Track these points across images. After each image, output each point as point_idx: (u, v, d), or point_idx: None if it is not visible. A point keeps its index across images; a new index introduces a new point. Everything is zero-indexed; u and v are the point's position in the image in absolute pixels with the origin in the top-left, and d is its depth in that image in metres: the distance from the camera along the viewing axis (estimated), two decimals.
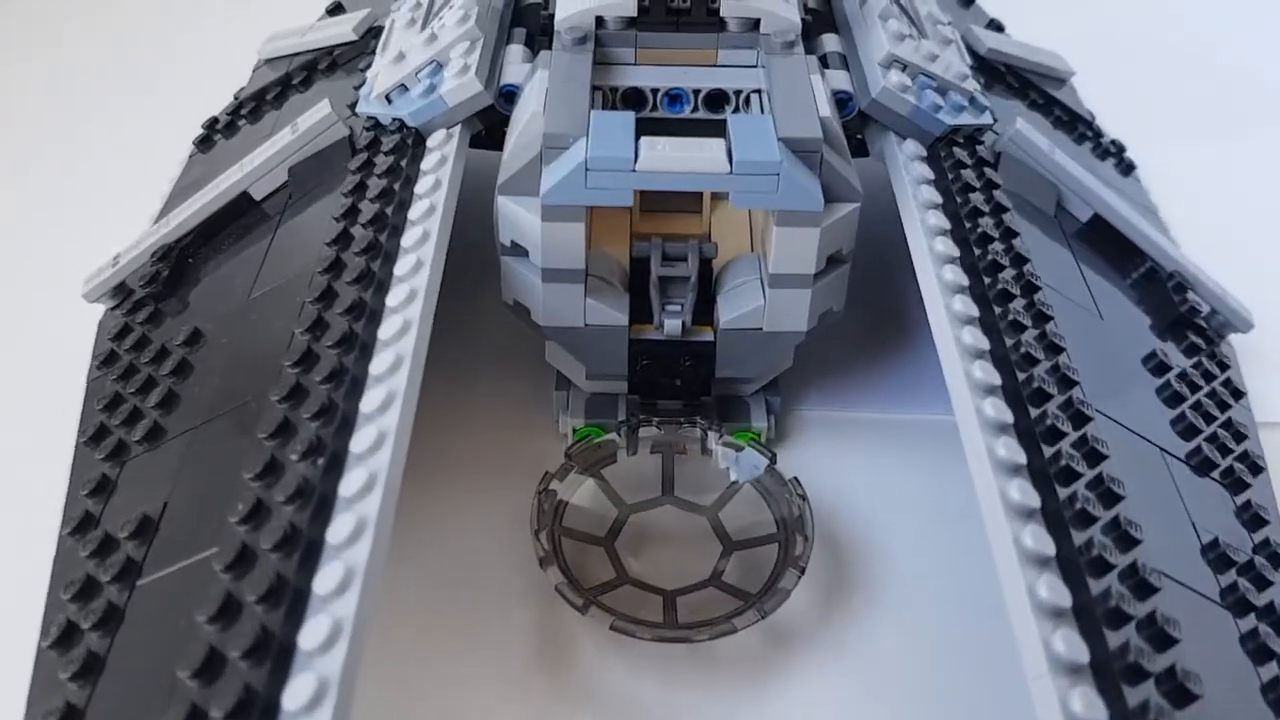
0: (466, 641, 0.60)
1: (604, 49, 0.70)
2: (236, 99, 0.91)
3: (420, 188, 0.65)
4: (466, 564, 0.63)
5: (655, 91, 0.70)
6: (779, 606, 0.58)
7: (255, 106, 0.87)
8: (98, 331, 0.72)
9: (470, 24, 0.70)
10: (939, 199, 0.65)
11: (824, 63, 0.73)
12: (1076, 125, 0.87)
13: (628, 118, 0.62)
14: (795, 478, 0.63)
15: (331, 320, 0.57)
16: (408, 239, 0.61)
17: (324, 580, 0.45)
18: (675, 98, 0.70)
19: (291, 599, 0.44)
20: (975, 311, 0.58)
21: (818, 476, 0.67)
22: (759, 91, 0.69)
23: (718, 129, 0.69)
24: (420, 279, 0.59)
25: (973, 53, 0.84)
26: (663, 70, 0.70)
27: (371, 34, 0.85)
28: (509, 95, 0.70)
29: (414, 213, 0.63)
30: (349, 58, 0.85)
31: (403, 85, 0.70)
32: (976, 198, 0.65)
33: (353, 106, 0.75)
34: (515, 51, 0.72)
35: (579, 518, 0.64)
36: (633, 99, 0.70)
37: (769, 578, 0.60)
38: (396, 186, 0.65)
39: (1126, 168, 0.89)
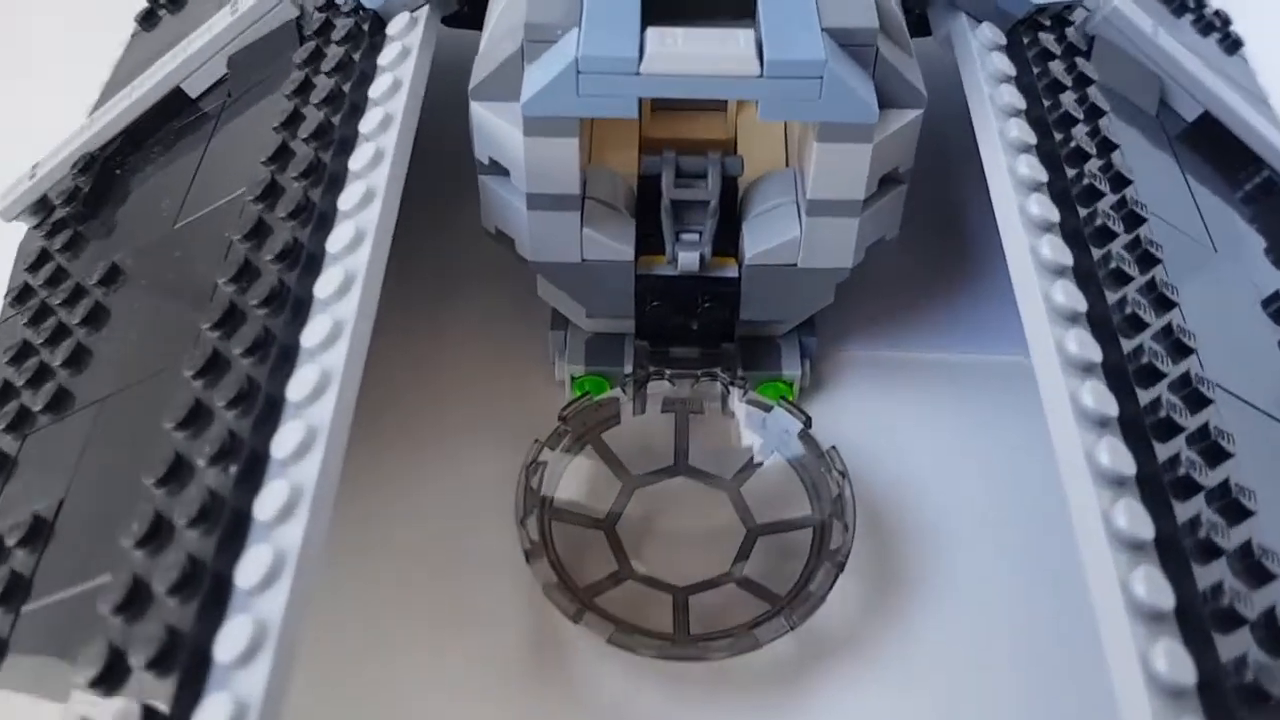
0: (442, 645, 0.50)
1: None
2: None
3: (375, 90, 0.52)
4: (444, 551, 0.53)
5: None
6: (812, 613, 0.48)
7: None
8: (17, 255, 0.61)
9: None
10: (1022, 103, 0.52)
11: None
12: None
13: (632, 4, 0.49)
14: (834, 448, 0.52)
15: (262, 266, 0.46)
16: (357, 159, 0.49)
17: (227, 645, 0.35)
18: None
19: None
20: (1068, 259, 0.46)
21: (861, 437, 0.56)
22: None
23: (743, 6, 0.57)
24: (369, 215, 0.47)
25: None
26: None
27: None
28: None
29: (366, 124, 0.51)
30: None
31: None
32: (1068, 99, 0.52)
33: None
34: None
35: (574, 495, 0.54)
36: None
37: (800, 576, 0.50)
38: (347, 89, 0.53)
39: (1232, 45, 0.75)
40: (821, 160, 0.50)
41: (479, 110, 0.51)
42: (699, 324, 0.57)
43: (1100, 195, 0.48)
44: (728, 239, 0.56)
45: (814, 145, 0.49)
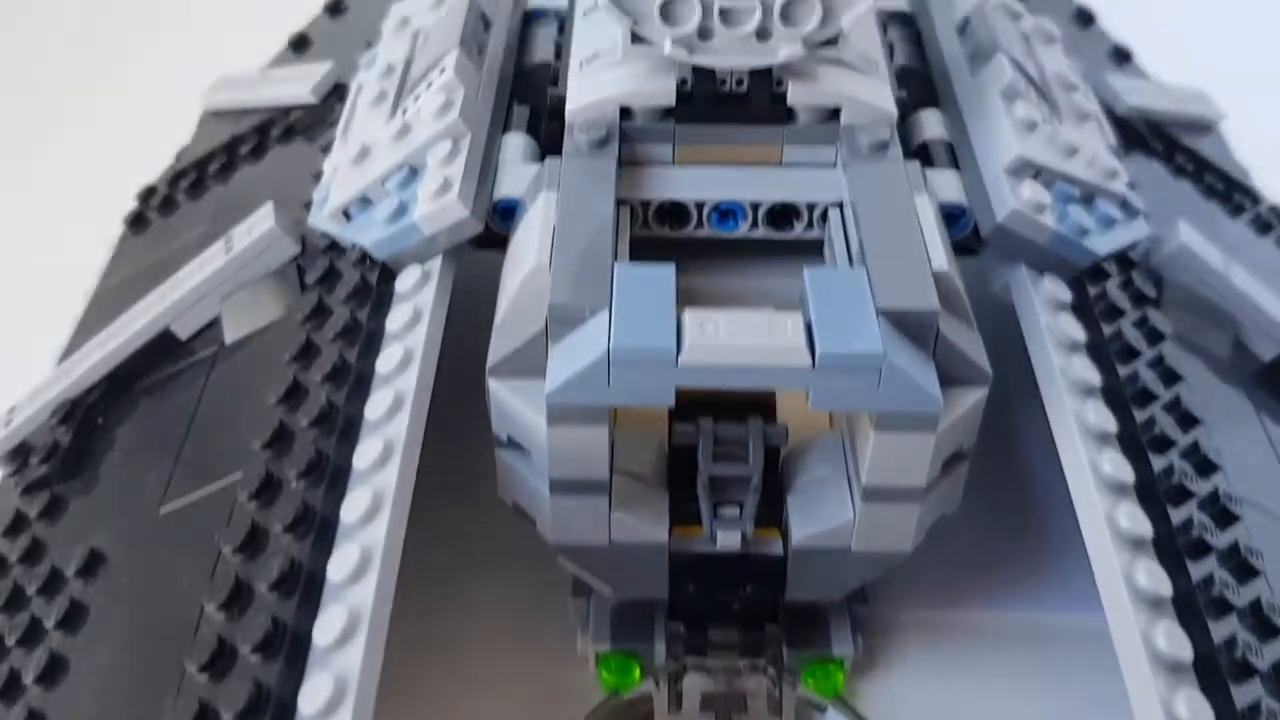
0: None
1: (632, 145, 0.52)
2: (177, 162, 0.74)
3: (383, 363, 0.48)
4: None
5: (701, 206, 0.52)
6: None
7: (197, 179, 0.70)
8: None
9: (453, 116, 0.52)
10: (1096, 378, 0.47)
11: (925, 157, 0.55)
12: (1232, 193, 0.68)
13: (665, 277, 0.44)
14: None
15: (260, 596, 0.41)
16: (363, 455, 0.44)
17: None
18: (728, 213, 0.52)
19: None
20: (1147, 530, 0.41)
21: None
22: (840, 205, 0.51)
23: (782, 251, 0.53)
24: (377, 530, 0.42)
25: (1109, 112, 0.65)
26: (710, 174, 0.53)
27: (334, 95, 0.67)
28: (507, 211, 0.52)
29: (373, 407, 0.46)
30: (307, 124, 0.67)
31: (365, 198, 0.53)
32: (1147, 373, 0.47)
33: (308, 206, 0.57)
34: (514, 145, 0.55)
35: None
36: (671, 214, 0.52)
37: None
38: (353, 359, 0.48)
39: None
40: (879, 449, 0.45)
41: (497, 389, 0.46)
42: (740, 604, 0.51)
43: (1189, 495, 0.43)
44: (769, 504, 0.50)
45: (871, 434, 0.44)
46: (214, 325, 0.57)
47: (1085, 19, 0.78)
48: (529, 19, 0.64)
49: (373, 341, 0.49)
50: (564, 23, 0.62)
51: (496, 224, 0.53)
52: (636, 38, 0.49)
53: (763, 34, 0.49)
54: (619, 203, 0.50)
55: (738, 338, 0.42)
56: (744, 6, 0.48)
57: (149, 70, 1.01)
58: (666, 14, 0.48)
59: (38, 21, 1.10)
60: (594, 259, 0.45)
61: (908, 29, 0.63)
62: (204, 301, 0.56)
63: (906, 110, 0.58)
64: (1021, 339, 0.51)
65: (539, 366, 0.45)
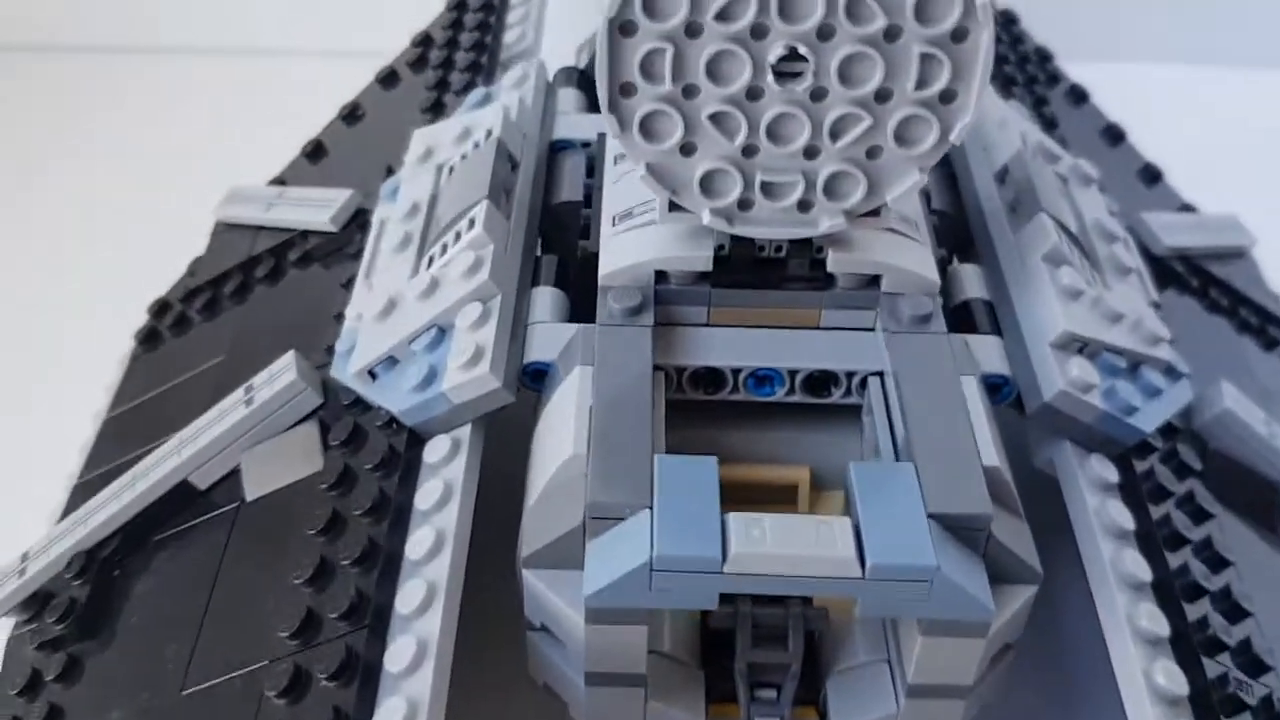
0: None
1: (666, 306, 0.51)
2: (190, 276, 0.73)
3: (415, 548, 0.46)
4: None
5: (737, 372, 0.51)
6: None
7: (211, 298, 0.69)
8: (5, 657, 0.55)
9: (483, 276, 0.51)
10: (1147, 573, 0.46)
11: (965, 317, 0.54)
12: (1266, 326, 0.67)
13: (708, 472, 0.43)
14: None
15: None
16: (395, 657, 0.43)
17: None
18: (765, 379, 0.51)
19: None
20: None
21: None
22: (880, 375, 0.50)
23: (819, 415, 0.52)
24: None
25: (1145, 252, 0.64)
26: (746, 338, 0.51)
27: (355, 224, 0.65)
28: (538, 373, 0.51)
29: (405, 601, 0.44)
30: (325, 251, 0.66)
31: (392, 357, 0.52)
32: (1196, 566, 0.46)
33: (329, 350, 0.56)
34: (544, 302, 0.53)
35: None
36: (706, 379, 0.51)
37: None
38: (382, 540, 0.47)
39: None
40: (926, 651, 0.43)
41: (532, 579, 0.45)
42: None
43: (1244, 707, 0.42)
44: (806, 681, 0.49)
45: (918, 638, 0.43)
46: (234, 475, 0.55)
47: (1116, 137, 0.77)
48: (554, 150, 0.63)
49: (401, 518, 0.48)
50: (591, 161, 0.60)
51: (526, 384, 0.51)
52: (674, 205, 0.48)
53: (804, 205, 0.48)
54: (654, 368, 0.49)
55: (785, 546, 0.41)
56: (786, 181, 0.47)
57: (156, 174, 1.00)
58: (706, 187, 0.47)
59: (39, 117, 1.08)
60: (633, 451, 0.44)
61: (943, 168, 0.61)
62: (224, 454, 0.55)
63: (945, 262, 0.57)
64: (1060, 498, 0.50)
65: (575, 558, 0.44)
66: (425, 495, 0.48)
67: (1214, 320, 0.66)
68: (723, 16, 0.43)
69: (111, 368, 0.71)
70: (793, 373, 0.51)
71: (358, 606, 0.45)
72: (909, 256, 0.50)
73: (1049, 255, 0.53)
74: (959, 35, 0.43)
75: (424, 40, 0.80)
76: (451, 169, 0.60)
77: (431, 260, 0.55)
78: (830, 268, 0.50)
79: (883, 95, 0.44)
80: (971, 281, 0.55)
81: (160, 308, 0.72)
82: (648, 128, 0.46)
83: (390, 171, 0.67)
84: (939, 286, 0.51)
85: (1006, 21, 0.84)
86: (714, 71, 0.44)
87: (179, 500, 0.56)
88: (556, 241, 0.59)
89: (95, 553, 0.55)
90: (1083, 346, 0.50)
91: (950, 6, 0.42)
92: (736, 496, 0.54)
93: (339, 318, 0.58)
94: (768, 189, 0.47)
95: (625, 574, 0.41)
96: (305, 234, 0.67)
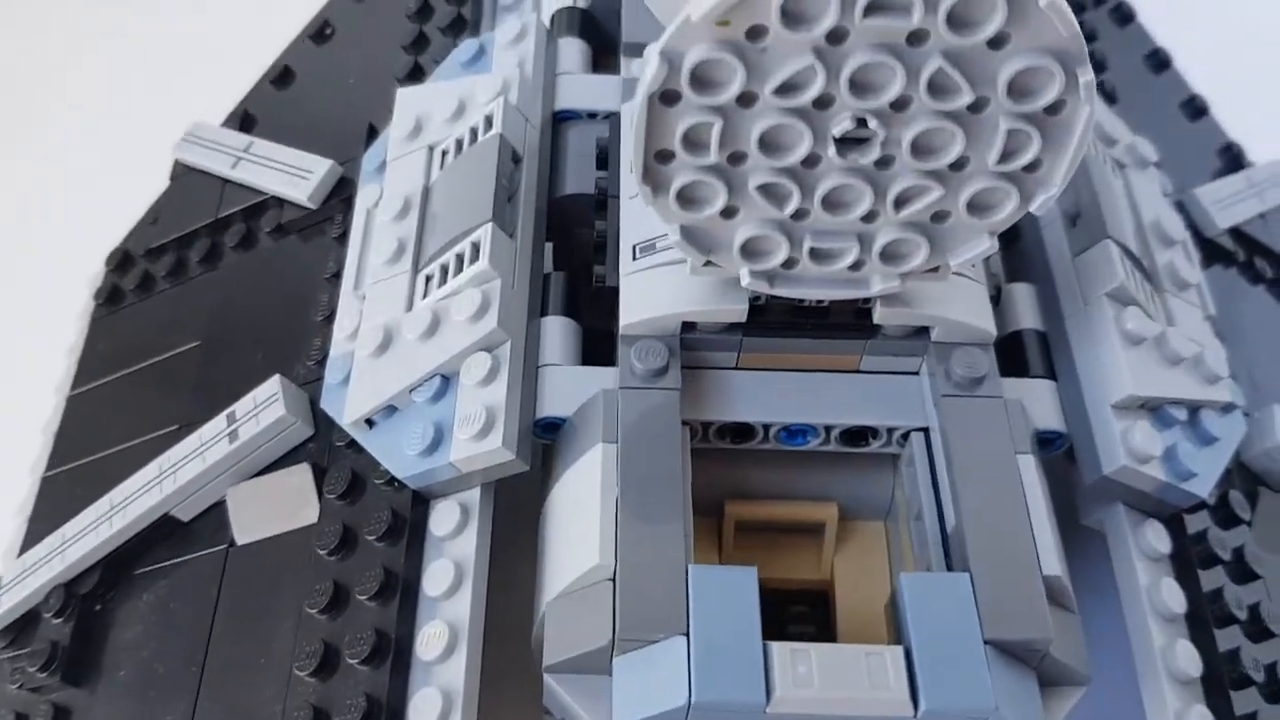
0: None
1: (692, 352, 0.47)
2: (154, 224, 0.66)
3: (428, 649, 0.43)
4: None
5: (768, 426, 0.47)
6: None
7: (177, 260, 0.63)
8: None
9: (490, 322, 0.46)
10: (1197, 667, 0.44)
11: (1017, 350, 0.49)
12: None
13: (748, 589, 0.40)
14: None
15: None
16: None
17: None
18: (798, 431, 0.47)
19: None
20: None
21: None
22: (924, 431, 0.46)
23: (857, 461, 0.48)
24: None
25: (1198, 236, 0.59)
26: (778, 385, 0.47)
27: (335, 203, 0.59)
28: (551, 426, 0.47)
29: (420, 710, 0.42)
30: (303, 226, 0.59)
31: (391, 406, 0.47)
32: (1246, 656, 0.44)
33: (320, 363, 0.51)
34: (556, 336, 0.49)
35: None
36: (735, 430, 0.47)
37: None
38: (391, 628, 0.43)
39: None
40: None
41: (554, 684, 0.42)
42: None
43: None
44: None
45: None
46: (219, 507, 0.51)
47: (1161, 64, 0.71)
48: (557, 120, 0.56)
49: (409, 599, 0.44)
50: (602, 149, 0.53)
51: (538, 435, 0.47)
52: (710, 261, 0.43)
53: (856, 264, 0.42)
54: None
55: (833, 687, 0.38)
56: (839, 248, 0.41)
57: (99, 95, 0.89)
58: (748, 249, 0.42)
59: None
60: (665, 563, 0.40)
61: None
62: (208, 488, 0.51)
63: (999, 282, 0.52)
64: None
65: (601, 666, 0.41)
66: (434, 579, 0.44)
67: (1255, 292, 0.62)
68: (784, 90, 0.36)
69: (68, 325, 0.66)
70: (828, 427, 0.47)
71: (369, 714, 0.42)
72: (963, 305, 0.46)
73: (1114, 293, 0.48)
74: (1054, 108, 0.37)
75: None
76: (445, 153, 0.53)
77: (429, 281, 0.49)
78: (877, 319, 0.45)
79: (959, 164, 0.39)
80: (1025, 306, 0.51)
81: (120, 260, 0.65)
82: (686, 195, 0.40)
83: (372, 131, 0.60)
84: (994, 336, 0.46)
85: None
86: (768, 142, 0.38)
87: (161, 531, 0.52)
88: (563, 233, 0.54)
89: (75, 587, 0.52)
90: (1144, 405, 0.46)
91: (1049, 81, 0.36)
92: (762, 533, 0.51)
93: (327, 320, 0.53)
94: (816, 254, 0.42)
95: (661, 713, 0.38)
96: (281, 203, 0.60)
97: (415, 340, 0.47)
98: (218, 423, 0.51)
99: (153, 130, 0.69)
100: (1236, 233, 0.62)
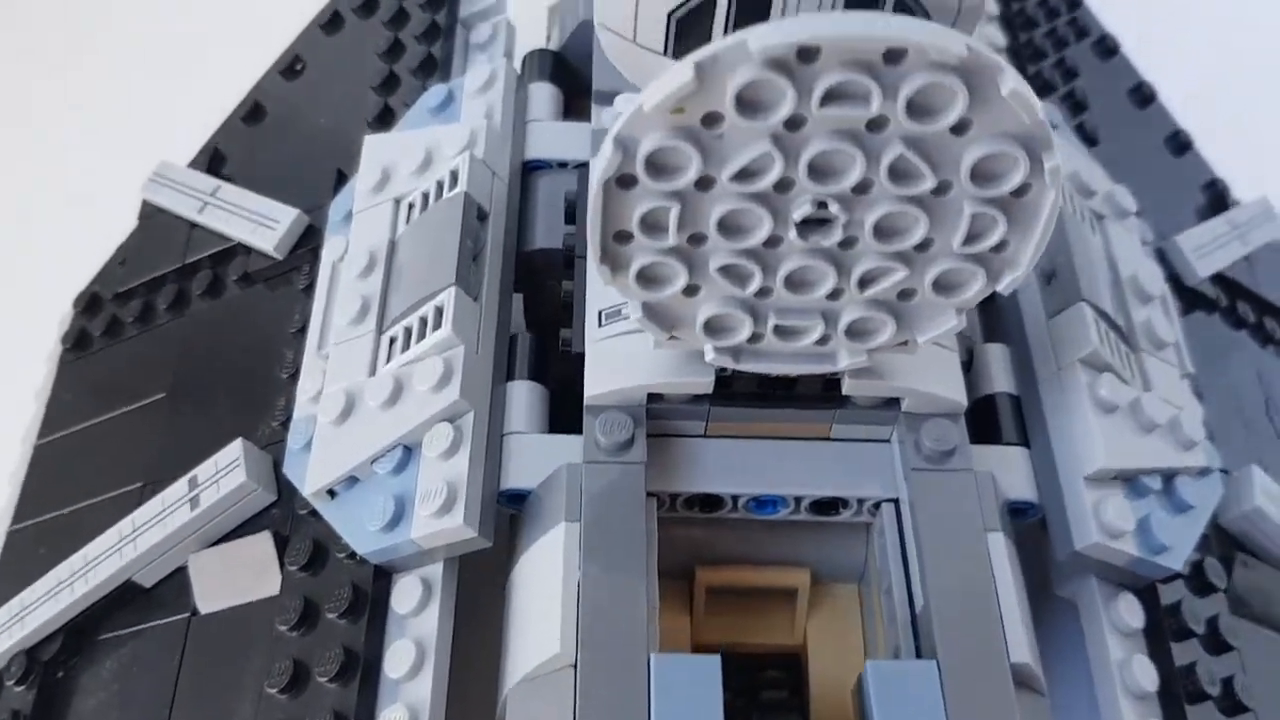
0: None
1: (659, 421, 0.46)
2: (121, 266, 0.65)
3: (388, 715, 0.42)
4: None
5: (737, 497, 0.46)
6: None
7: (145, 304, 0.62)
8: None
9: (452, 393, 0.45)
10: None
11: (990, 414, 0.49)
12: None
13: (710, 677, 0.39)
14: None
15: None
16: None
17: None
18: (768, 501, 0.46)
19: None
20: None
21: None
22: (894, 502, 0.45)
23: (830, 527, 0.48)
24: None
25: (1178, 285, 0.58)
26: (747, 455, 0.46)
27: (302, 253, 0.58)
28: (516, 497, 0.46)
29: None
30: (270, 275, 0.58)
31: (353, 476, 0.46)
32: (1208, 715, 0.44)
33: (284, 423, 0.51)
34: (521, 402, 0.48)
35: None
36: (703, 501, 0.46)
37: None
38: (351, 706, 0.43)
39: None
40: None
41: None
42: None
43: None
44: None
45: None
46: (180, 573, 0.50)
47: (1145, 99, 0.70)
48: (527, 170, 0.55)
49: (370, 677, 0.44)
50: (570, 204, 0.52)
51: (503, 504, 0.46)
52: (674, 336, 0.42)
53: (823, 338, 0.42)
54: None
55: None
56: (803, 325, 0.41)
57: (66, 131, 0.87)
58: (711, 326, 0.41)
59: None
60: (626, 650, 0.40)
61: None
62: (169, 554, 0.50)
63: (972, 343, 0.51)
64: None
65: None
66: (395, 660, 0.43)
67: (1235, 337, 0.61)
68: (741, 176, 0.35)
69: (36, 366, 0.65)
70: (798, 498, 0.46)
71: None
72: (933, 375, 0.45)
73: (1088, 359, 0.47)
74: (1020, 191, 0.36)
75: None
76: (411, 206, 0.52)
77: (393, 343, 0.48)
78: (846, 390, 0.44)
79: (924, 245, 0.38)
80: (998, 368, 0.50)
81: (89, 303, 0.64)
82: (646, 275, 0.39)
83: (340, 177, 0.59)
84: (964, 407, 0.45)
85: None
86: (727, 225, 0.37)
87: (124, 598, 0.51)
88: (533, 286, 0.53)
89: (37, 654, 0.51)
90: (1118, 477, 0.46)
91: (1013, 166, 0.35)
92: (734, 597, 0.51)
93: (292, 378, 0.52)
94: (781, 330, 0.41)
95: None
96: (249, 251, 0.59)
97: (377, 408, 0.46)
98: (179, 487, 0.50)
99: (123, 165, 0.68)
100: (1219, 277, 0.61)
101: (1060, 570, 0.47)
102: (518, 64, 0.60)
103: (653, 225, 0.37)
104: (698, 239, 0.38)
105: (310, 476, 0.47)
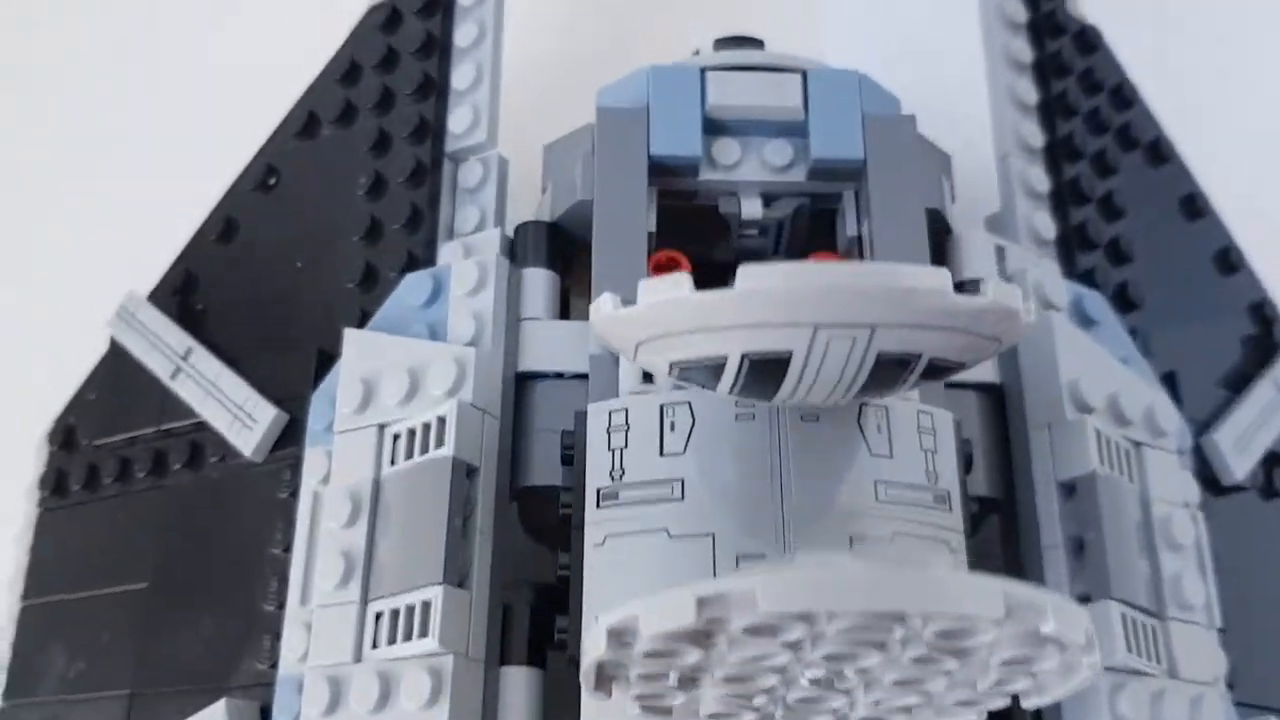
0: None
1: None
2: (92, 397, 0.62)
3: None
4: None
5: None
6: None
7: (122, 465, 0.59)
8: None
9: (440, 713, 0.43)
10: None
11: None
12: None
13: None
14: None
15: None
16: None
17: None
18: None
19: None
20: None
21: None
22: None
23: None
24: None
25: (1213, 485, 0.55)
26: None
27: (283, 455, 0.54)
28: None
29: None
30: (251, 476, 0.55)
31: None
32: None
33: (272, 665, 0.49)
34: (516, 692, 0.46)
35: None
36: None
37: None
38: None
39: None
40: None
41: None
42: None
43: None
44: None
45: None
46: None
47: (1194, 212, 0.64)
48: (520, 380, 0.51)
49: None
50: (568, 446, 0.49)
51: None
52: None
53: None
54: None
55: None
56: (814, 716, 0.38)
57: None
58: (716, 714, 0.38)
59: None
60: None
61: (994, 433, 0.51)
62: None
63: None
64: None
65: None
66: None
67: (1273, 507, 0.58)
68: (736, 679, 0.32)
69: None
70: None
71: None
72: None
73: (1113, 665, 0.45)
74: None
75: (348, 73, 0.63)
76: (396, 438, 0.49)
77: (379, 620, 0.46)
78: None
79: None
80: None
81: (64, 439, 0.61)
82: (642, 699, 0.36)
83: (322, 358, 0.54)
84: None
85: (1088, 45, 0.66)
86: (731, 678, 0.34)
87: None
88: (532, 515, 0.51)
89: None
90: None
91: (1050, 656, 0.32)
92: None
93: (279, 609, 0.50)
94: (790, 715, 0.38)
95: None
96: (225, 444, 0.56)
97: (364, 715, 0.44)
98: None
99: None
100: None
101: None
102: (510, 230, 0.55)
103: (650, 677, 0.34)
104: (699, 680, 0.35)
105: None
